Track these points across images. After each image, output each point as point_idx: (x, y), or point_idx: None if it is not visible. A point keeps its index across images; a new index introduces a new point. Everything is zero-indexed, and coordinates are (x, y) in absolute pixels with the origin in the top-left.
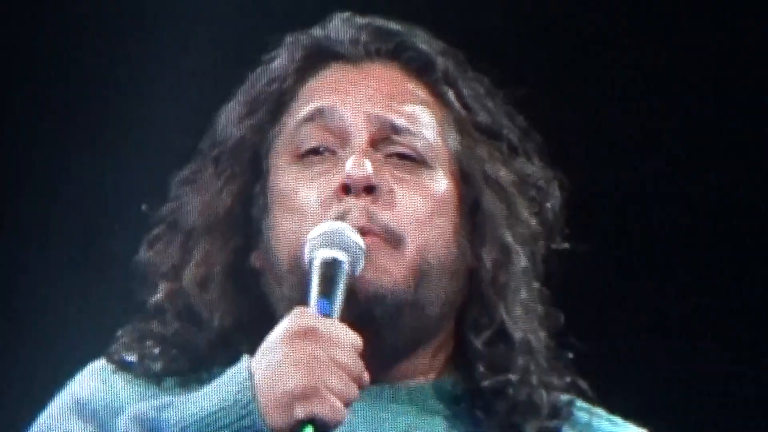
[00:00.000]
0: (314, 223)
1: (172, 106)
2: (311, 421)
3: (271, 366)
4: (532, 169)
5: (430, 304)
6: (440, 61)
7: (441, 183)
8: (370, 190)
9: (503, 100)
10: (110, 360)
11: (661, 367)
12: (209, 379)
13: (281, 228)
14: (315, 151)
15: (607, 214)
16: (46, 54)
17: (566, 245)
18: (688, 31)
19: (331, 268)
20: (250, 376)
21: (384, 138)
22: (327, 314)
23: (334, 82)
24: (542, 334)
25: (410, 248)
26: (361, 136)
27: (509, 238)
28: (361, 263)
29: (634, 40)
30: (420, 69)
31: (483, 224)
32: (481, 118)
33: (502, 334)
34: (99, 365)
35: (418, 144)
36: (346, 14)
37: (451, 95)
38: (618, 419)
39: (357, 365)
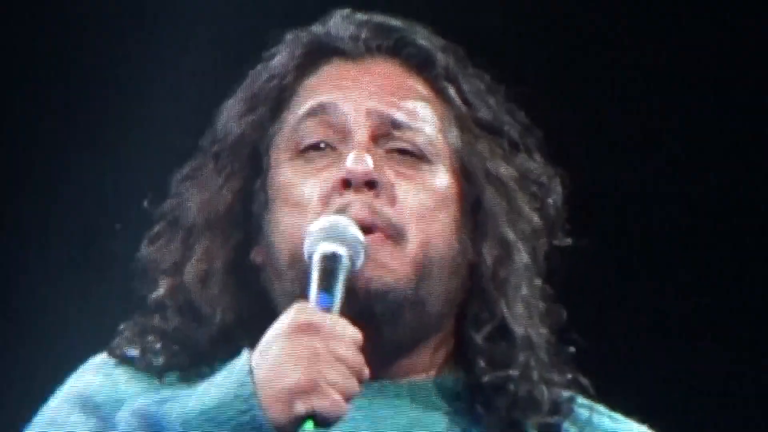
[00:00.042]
0: (314, 218)
1: (172, 106)
2: (312, 415)
3: (271, 360)
4: (533, 165)
5: (431, 300)
6: (441, 57)
7: (442, 179)
8: (371, 185)
9: (504, 96)
10: (112, 354)
11: (660, 367)
12: (211, 374)
13: (281, 223)
14: (315, 147)
15: (607, 214)
16: (46, 54)
17: (568, 241)
18: (688, 31)
19: (331, 262)
20: (251, 371)
21: (385, 134)
22: (327, 308)
23: (334, 78)
24: (543, 330)
25: (412, 243)
26: (361, 132)
27: (510, 234)
28: (362, 257)
29: (634, 40)
30: (420, 65)
31: (484, 220)
32: (481, 114)
33: (503, 330)
34: (101, 359)
35: (419, 140)
36: (346, 11)
37: (451, 91)
38: (619, 416)
39: (357, 359)
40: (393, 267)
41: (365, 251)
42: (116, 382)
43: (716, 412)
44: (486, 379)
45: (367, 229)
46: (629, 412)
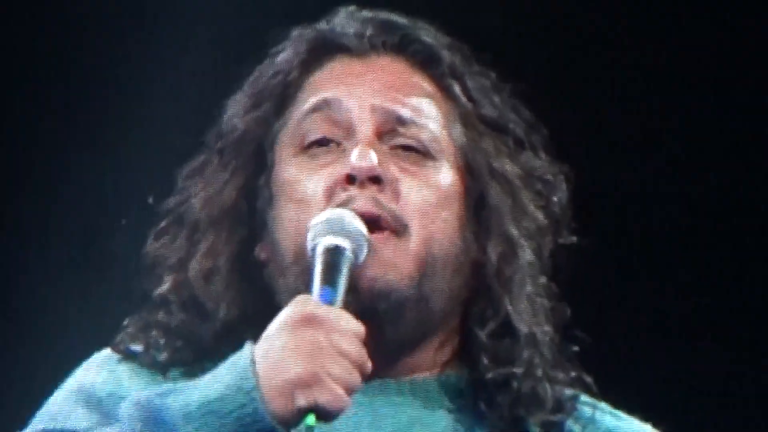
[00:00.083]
0: (318, 213)
1: (172, 106)
2: (313, 409)
3: (273, 353)
4: (538, 163)
5: (434, 297)
6: (446, 55)
7: (446, 175)
8: (375, 180)
9: (509, 94)
10: (116, 350)
11: (660, 367)
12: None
13: (285, 219)
14: (320, 143)
15: (607, 214)
16: (46, 54)
17: (573, 240)
18: (688, 31)
19: (333, 255)
20: (253, 363)
21: (389, 130)
22: (330, 302)
23: (339, 74)
24: (548, 328)
25: (415, 239)
26: (366, 128)
27: (515, 231)
28: (365, 251)
29: (634, 40)
30: (425, 62)
31: (488, 218)
32: (486, 111)
33: (507, 327)
34: (105, 354)
35: (424, 136)
36: (352, 8)
37: (456, 88)
38: (622, 414)
39: (359, 353)
40: (396, 263)
41: (368, 245)
42: (120, 377)
43: (716, 412)
44: (489, 375)
45: (370, 223)
46: (629, 412)
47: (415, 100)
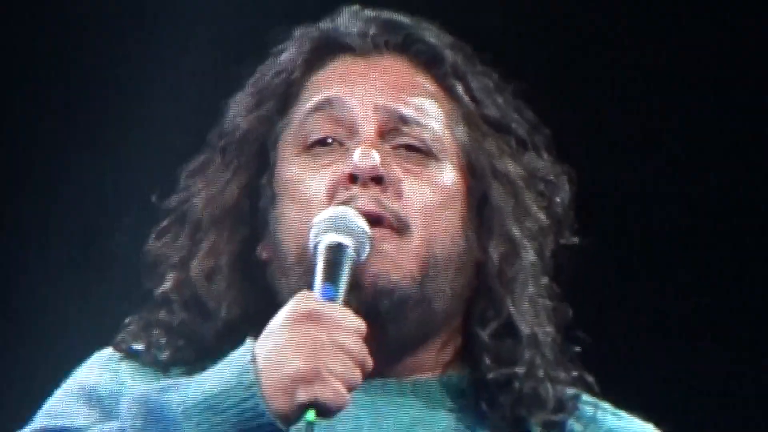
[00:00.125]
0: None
1: (172, 106)
2: (313, 404)
3: (274, 349)
4: (541, 163)
5: (436, 297)
6: (449, 55)
7: (449, 175)
8: (377, 180)
9: (512, 94)
10: (117, 348)
11: (660, 367)
12: None
13: (287, 218)
14: (322, 142)
15: (607, 214)
16: (46, 54)
17: (575, 240)
18: (688, 31)
19: (336, 252)
20: (253, 359)
21: (392, 129)
22: (331, 299)
23: (342, 73)
24: (550, 328)
25: (417, 238)
26: (369, 127)
27: (517, 232)
28: (367, 249)
29: (634, 40)
30: (428, 62)
31: (491, 218)
32: (489, 111)
33: (509, 328)
34: (106, 353)
35: (426, 136)
36: (355, 7)
37: (459, 88)
38: (623, 413)
39: (360, 350)
40: (399, 262)
41: (371, 243)
42: (121, 376)
43: (716, 412)
44: (491, 376)
45: (373, 221)
46: (629, 412)
47: (418, 100)
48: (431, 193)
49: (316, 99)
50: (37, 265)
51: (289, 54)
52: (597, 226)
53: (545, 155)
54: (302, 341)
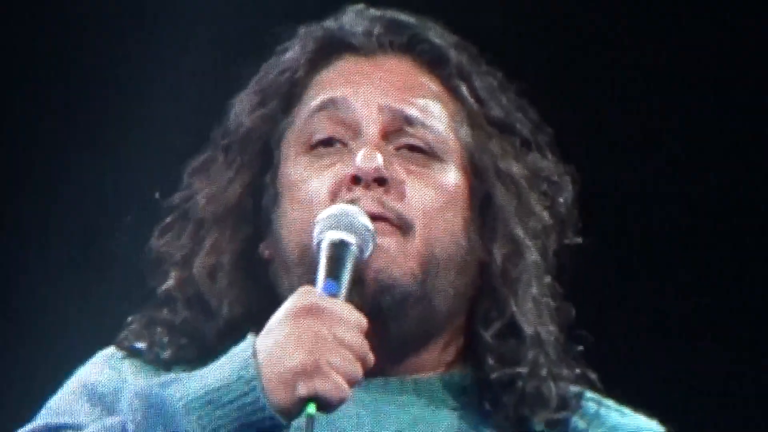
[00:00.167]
0: None
1: (172, 106)
2: (314, 398)
3: (275, 343)
4: (544, 163)
5: (437, 297)
6: (453, 55)
7: (452, 176)
8: (380, 181)
9: (516, 93)
10: (120, 347)
11: (660, 367)
12: None
13: (290, 218)
14: (326, 142)
15: (607, 214)
16: (46, 54)
17: (578, 240)
18: (688, 31)
19: (339, 249)
20: (254, 353)
21: (396, 130)
22: (333, 294)
23: (346, 73)
24: (553, 328)
25: (419, 238)
26: (372, 128)
27: (520, 232)
28: (370, 246)
29: (634, 40)
30: (433, 62)
31: (494, 218)
32: (494, 112)
33: (513, 328)
34: (109, 352)
35: (430, 137)
36: (360, 6)
37: (463, 89)
38: (627, 410)
39: (361, 344)
40: (401, 259)
41: (374, 241)
42: (123, 374)
43: (716, 412)
44: (494, 376)
45: (375, 220)
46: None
47: (422, 101)
48: (434, 195)
49: (320, 99)
50: (37, 265)
51: (293, 53)
52: (597, 226)
53: (549, 155)
54: (303, 335)
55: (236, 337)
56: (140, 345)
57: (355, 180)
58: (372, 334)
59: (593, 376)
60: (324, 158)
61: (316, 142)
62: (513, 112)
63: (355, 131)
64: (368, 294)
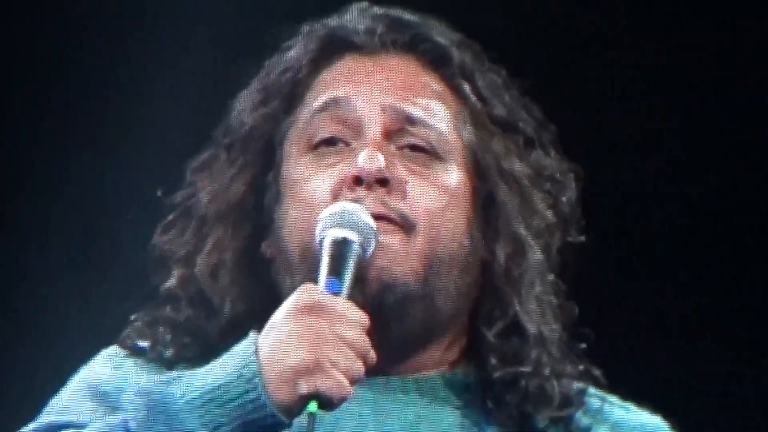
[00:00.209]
0: None
1: (172, 106)
2: (315, 396)
3: (276, 341)
4: (548, 161)
5: (440, 296)
6: (456, 54)
7: (454, 176)
8: (382, 182)
9: (520, 91)
10: (123, 345)
11: (660, 367)
12: None
13: (292, 217)
14: (328, 142)
15: (607, 214)
16: (46, 54)
17: (581, 238)
18: (688, 31)
19: (341, 247)
20: (256, 351)
21: (398, 129)
22: (335, 292)
23: (349, 72)
24: (556, 326)
25: (421, 238)
26: (375, 128)
27: (523, 231)
28: (373, 244)
29: (634, 40)
30: (436, 61)
31: (497, 218)
32: (497, 110)
33: (516, 327)
34: (112, 350)
35: (432, 136)
36: (364, 4)
37: (466, 88)
38: (631, 406)
39: (363, 342)
40: (403, 258)
41: (376, 239)
42: (126, 372)
43: (716, 412)
44: (497, 375)
45: (378, 219)
46: None
47: (424, 100)
48: (436, 195)
49: (322, 98)
50: (37, 265)
51: (296, 52)
52: (597, 226)
53: (552, 153)
54: (304, 333)
55: (239, 336)
56: (143, 343)
57: (357, 181)
58: (374, 333)
59: (597, 372)
60: (326, 158)
61: (318, 141)
62: (516, 110)
63: (358, 131)
64: (370, 293)
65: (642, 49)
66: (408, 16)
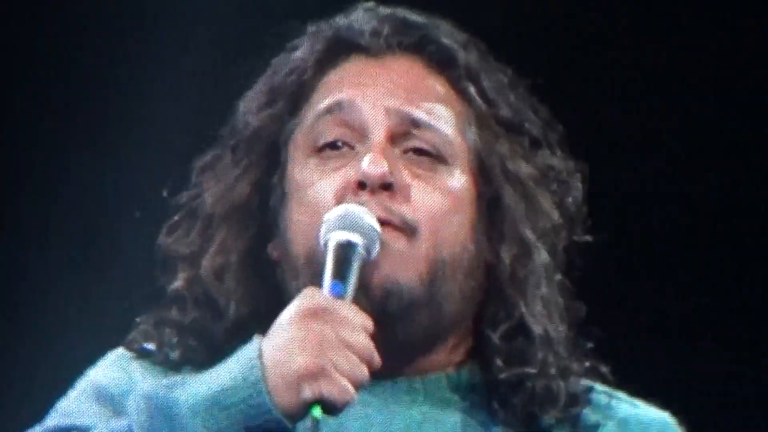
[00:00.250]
0: None
1: (172, 106)
2: (319, 401)
3: (280, 345)
4: (554, 161)
5: (445, 300)
6: (462, 56)
7: (458, 180)
8: (386, 187)
9: (526, 90)
10: (129, 348)
11: (660, 367)
12: None
13: (296, 221)
14: (333, 145)
15: (607, 214)
16: (46, 54)
17: (588, 238)
18: (688, 31)
19: (345, 250)
20: (260, 355)
21: (403, 132)
22: (339, 296)
23: (354, 75)
24: (562, 327)
25: (425, 242)
26: (379, 131)
27: (528, 233)
28: (377, 247)
29: (634, 40)
30: (441, 63)
31: (502, 220)
32: (502, 112)
33: (521, 329)
34: (119, 353)
35: (437, 140)
36: (370, 3)
37: (472, 90)
38: (639, 402)
39: (367, 346)
40: (407, 263)
41: (380, 242)
42: (132, 375)
43: (716, 412)
44: (503, 376)
45: (381, 224)
46: None
47: (429, 103)
48: (440, 198)
49: (327, 101)
50: (37, 265)
51: (301, 53)
52: (597, 226)
53: (558, 152)
54: (308, 337)
55: (244, 338)
56: (150, 346)
57: (361, 185)
58: (378, 337)
59: (604, 369)
60: (331, 161)
61: (322, 144)
62: (522, 111)
63: (362, 134)
64: (375, 298)
65: (642, 49)
66: (414, 16)
